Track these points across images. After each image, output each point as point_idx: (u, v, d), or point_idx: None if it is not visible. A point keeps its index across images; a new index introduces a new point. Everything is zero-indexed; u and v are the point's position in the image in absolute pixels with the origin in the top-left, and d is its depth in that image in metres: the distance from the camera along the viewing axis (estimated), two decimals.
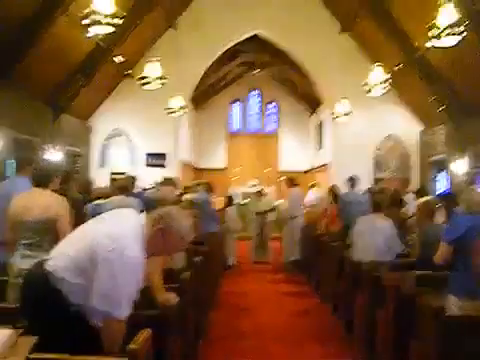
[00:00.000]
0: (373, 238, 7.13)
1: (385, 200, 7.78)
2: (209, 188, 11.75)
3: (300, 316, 8.45)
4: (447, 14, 8.95)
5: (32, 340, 2.74)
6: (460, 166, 14.79)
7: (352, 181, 10.81)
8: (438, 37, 9.03)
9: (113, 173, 17.67)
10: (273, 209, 14.58)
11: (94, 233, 3.26)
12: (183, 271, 5.34)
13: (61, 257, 3.23)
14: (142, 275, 3.27)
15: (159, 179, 11.50)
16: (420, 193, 9.93)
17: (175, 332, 4.25)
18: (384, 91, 14.19)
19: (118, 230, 3.22)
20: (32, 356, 2.65)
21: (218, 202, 17.43)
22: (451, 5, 9.03)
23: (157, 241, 3.33)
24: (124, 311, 3.10)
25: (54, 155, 14.20)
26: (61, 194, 5.56)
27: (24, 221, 4.96)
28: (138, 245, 3.23)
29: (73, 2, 11.42)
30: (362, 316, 6.48)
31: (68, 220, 5.06)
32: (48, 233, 4.90)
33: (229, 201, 13.53)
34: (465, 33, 9.00)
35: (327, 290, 9.16)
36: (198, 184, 17.83)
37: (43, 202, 5.03)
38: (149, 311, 3.80)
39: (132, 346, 2.79)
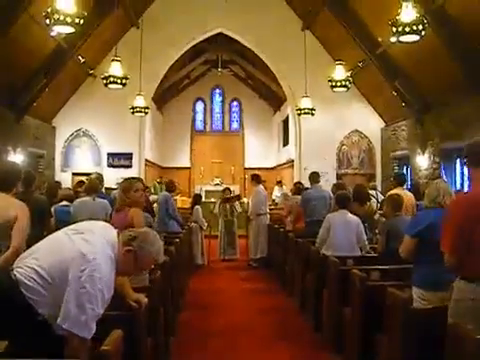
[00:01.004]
0: (346, 234, 7.24)
1: (348, 196, 7.86)
2: (169, 187, 11.72)
3: (268, 313, 8.48)
4: (407, 12, 9.07)
5: (2, 344, 2.72)
6: (422, 161, 15.01)
7: (313, 177, 10.81)
8: (400, 33, 9.14)
9: (75, 174, 17.55)
10: (238, 196, 14.66)
11: (68, 249, 3.26)
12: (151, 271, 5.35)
13: (31, 267, 3.21)
14: (110, 295, 3.30)
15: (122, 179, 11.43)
16: (396, 180, 9.95)
17: (146, 332, 4.26)
18: (346, 88, 14.30)
19: (91, 252, 3.23)
20: None
21: (184, 201, 17.42)
22: (410, 4, 9.17)
23: (128, 262, 3.42)
24: (89, 332, 3.12)
25: (15, 157, 14.01)
26: (24, 196, 5.46)
27: None
28: (109, 267, 3.28)
29: (34, 2, 11.31)
30: (329, 311, 6.56)
31: (25, 224, 4.91)
32: (7, 236, 4.79)
33: (196, 200, 13.44)
34: (424, 32, 9.15)
35: (294, 286, 9.21)
36: (159, 182, 17.88)
37: (2, 205, 4.90)
38: (119, 312, 3.79)
39: (104, 347, 2.79)
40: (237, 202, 14.23)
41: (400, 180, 9.79)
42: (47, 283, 3.16)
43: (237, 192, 20.00)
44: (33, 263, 3.23)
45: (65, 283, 3.13)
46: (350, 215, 7.44)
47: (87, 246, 3.26)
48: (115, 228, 3.67)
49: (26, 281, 3.15)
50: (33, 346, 3.05)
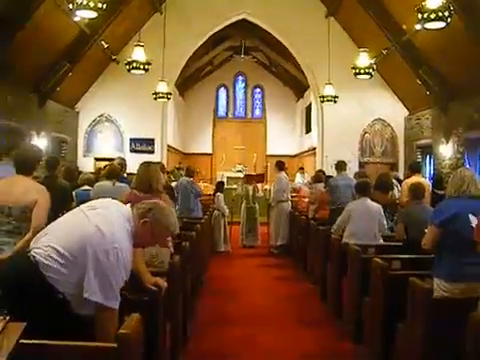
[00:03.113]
0: (367, 222, 7.21)
1: (368, 183, 7.81)
2: (189, 172, 11.79)
3: (288, 300, 8.46)
4: None
5: (22, 326, 2.73)
6: (445, 151, 14.85)
7: (340, 166, 10.79)
8: (426, 20, 9.01)
9: (97, 159, 17.65)
10: (262, 175, 14.66)
11: (85, 227, 3.28)
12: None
13: (48, 246, 3.22)
14: (130, 266, 3.37)
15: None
16: (412, 168, 9.88)
17: (165, 317, 4.26)
18: (370, 76, 14.18)
19: (109, 225, 3.28)
20: (23, 341, 2.64)
21: (206, 188, 17.46)
22: None
23: (145, 234, 3.47)
24: (116, 301, 3.19)
25: (39, 141, 14.12)
26: (48, 181, 5.49)
27: (3, 207, 4.89)
28: (127, 239, 3.33)
29: None
30: (350, 299, 6.53)
31: (45, 208, 4.95)
32: (27, 220, 4.84)
33: (219, 187, 13.45)
34: (450, 19, 9.00)
35: (315, 274, 9.19)
36: (178, 168, 17.94)
37: (23, 188, 4.94)
38: (138, 296, 3.80)
39: (123, 331, 2.79)
40: (259, 185, 14.16)
41: (415, 168, 9.72)
42: (67, 260, 3.18)
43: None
44: (50, 241, 3.25)
45: (85, 260, 3.16)
46: (370, 202, 7.40)
47: (104, 221, 3.30)
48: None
49: (45, 261, 3.17)
50: (54, 326, 3.06)
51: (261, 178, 14.58)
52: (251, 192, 13.85)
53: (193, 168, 12.20)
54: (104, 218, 3.34)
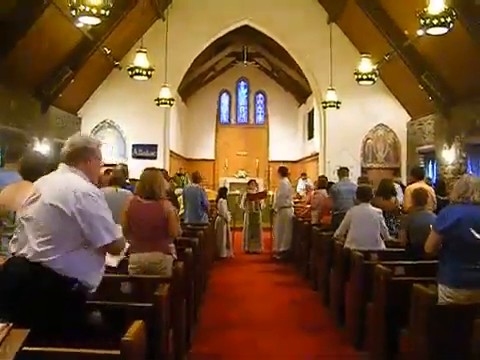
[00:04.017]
0: (368, 227, 7.20)
1: (369, 189, 7.81)
2: (195, 178, 11.78)
3: (291, 306, 8.45)
4: (436, 4, 8.94)
5: (25, 332, 2.73)
6: (448, 156, 14.83)
7: (343, 172, 10.80)
8: (428, 26, 9.02)
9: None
10: (264, 193, 14.67)
11: (50, 203, 3.30)
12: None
13: (34, 242, 3.23)
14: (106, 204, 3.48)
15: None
16: (415, 174, 9.85)
17: (167, 323, 4.26)
18: (372, 81, 14.20)
19: (65, 185, 3.35)
20: (26, 349, 2.64)
21: (209, 193, 17.51)
22: None
23: (93, 165, 3.63)
24: (119, 232, 3.53)
25: (41, 147, 14.12)
26: None
27: (9, 212, 4.88)
28: (85, 182, 3.45)
29: None
30: (353, 305, 6.51)
31: None
32: None
33: (221, 193, 13.47)
34: (452, 24, 9.01)
35: (318, 280, 9.17)
36: (179, 174, 17.90)
37: (29, 194, 4.92)
38: (141, 303, 3.80)
39: (125, 338, 2.78)
40: (262, 200, 14.19)
41: (418, 174, 9.69)
42: (56, 239, 3.22)
43: (261, 185, 19.98)
44: (32, 238, 3.26)
45: (70, 224, 3.23)
46: (371, 207, 7.41)
47: (58, 185, 3.37)
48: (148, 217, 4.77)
49: (43, 257, 3.19)
50: (64, 326, 3.09)
51: (263, 195, 14.59)
52: (254, 207, 13.87)
53: (199, 174, 12.16)
54: (55, 186, 3.38)
